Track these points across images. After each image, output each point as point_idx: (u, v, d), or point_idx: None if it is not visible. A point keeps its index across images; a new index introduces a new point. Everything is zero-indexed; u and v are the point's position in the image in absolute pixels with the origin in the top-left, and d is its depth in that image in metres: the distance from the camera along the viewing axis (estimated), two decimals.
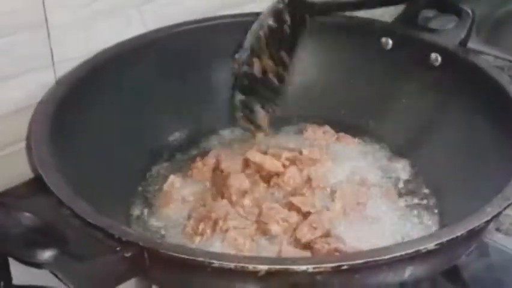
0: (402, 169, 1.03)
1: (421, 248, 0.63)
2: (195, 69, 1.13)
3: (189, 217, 0.92)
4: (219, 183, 0.96)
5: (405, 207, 0.96)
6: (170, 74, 1.11)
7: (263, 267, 0.59)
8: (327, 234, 0.87)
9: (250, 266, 0.60)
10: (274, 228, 0.88)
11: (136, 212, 0.95)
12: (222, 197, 0.95)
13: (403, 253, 0.62)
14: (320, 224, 0.88)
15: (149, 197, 0.99)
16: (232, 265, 0.60)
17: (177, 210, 0.95)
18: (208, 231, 0.89)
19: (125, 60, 1.06)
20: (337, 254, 0.84)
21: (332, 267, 0.59)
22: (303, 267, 0.60)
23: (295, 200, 0.92)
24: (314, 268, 0.60)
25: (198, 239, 0.88)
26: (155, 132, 1.07)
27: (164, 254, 0.62)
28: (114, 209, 0.91)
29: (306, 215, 0.90)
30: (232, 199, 0.94)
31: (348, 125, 1.12)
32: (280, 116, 1.14)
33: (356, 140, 1.10)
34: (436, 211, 0.95)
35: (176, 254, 0.61)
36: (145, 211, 0.96)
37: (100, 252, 0.65)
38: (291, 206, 0.92)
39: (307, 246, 0.86)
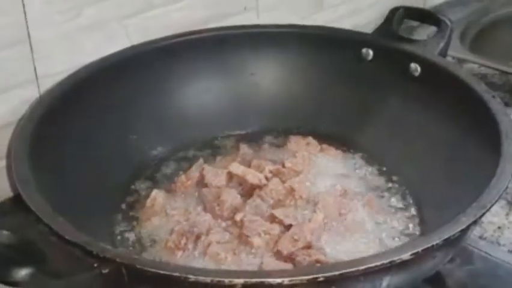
0: (383, 179, 1.04)
1: (396, 258, 0.63)
2: (178, 84, 1.14)
3: (171, 232, 0.92)
4: (209, 199, 0.97)
5: (387, 217, 0.96)
6: (152, 89, 1.12)
7: (239, 281, 0.60)
8: (308, 246, 0.87)
9: (227, 280, 0.60)
10: (256, 240, 0.88)
11: (118, 227, 0.95)
12: (206, 211, 0.95)
13: (378, 263, 0.62)
14: (302, 236, 0.88)
15: (132, 212, 0.99)
16: (208, 279, 0.60)
17: (160, 225, 0.95)
18: (190, 246, 0.89)
19: (108, 76, 1.06)
20: (318, 265, 0.84)
21: (308, 280, 0.60)
22: (279, 280, 0.60)
23: (278, 213, 0.92)
24: (290, 281, 0.60)
25: (179, 253, 0.89)
26: (138, 147, 1.08)
27: (141, 270, 0.62)
28: (97, 225, 0.91)
29: (288, 227, 0.91)
30: (224, 215, 0.94)
31: (331, 136, 1.13)
32: (264, 128, 1.16)
33: (339, 151, 1.10)
34: (418, 221, 0.95)
35: (153, 270, 0.61)
36: (128, 226, 0.96)
37: (78, 270, 0.65)
38: (273, 219, 0.92)
39: (289, 258, 0.86)
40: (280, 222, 0.91)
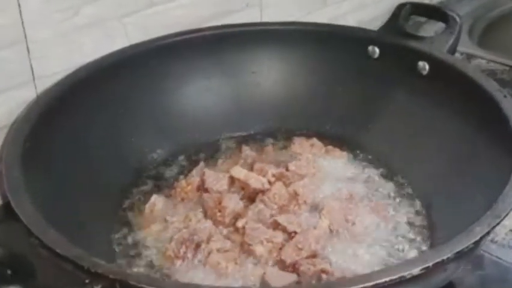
0: (391, 183, 1.00)
1: (406, 273, 0.59)
2: (178, 84, 1.10)
3: (171, 240, 0.88)
4: (210, 205, 0.93)
5: (395, 222, 0.92)
6: (152, 90, 1.08)
7: None
8: (313, 255, 0.84)
9: None
10: (259, 249, 0.85)
11: (116, 235, 0.92)
12: (206, 217, 0.92)
13: (387, 279, 0.58)
14: (306, 244, 0.84)
15: (131, 219, 0.95)
16: None
17: (159, 232, 0.91)
18: (190, 254, 0.85)
19: (106, 76, 1.02)
20: (323, 275, 0.81)
21: None
22: None
23: (281, 219, 0.89)
24: None
25: (179, 262, 0.85)
26: (137, 150, 1.04)
27: (134, 286, 0.58)
28: (93, 233, 0.88)
29: (291, 234, 0.87)
30: (226, 221, 0.90)
31: (336, 137, 1.09)
32: (267, 129, 1.12)
33: (345, 152, 1.06)
34: (428, 226, 0.91)
35: (147, 286, 0.57)
36: (126, 234, 0.92)
37: (69, 285, 0.61)
38: (276, 225, 0.89)
39: (292, 267, 0.83)
40: (284, 230, 0.88)
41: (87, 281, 0.60)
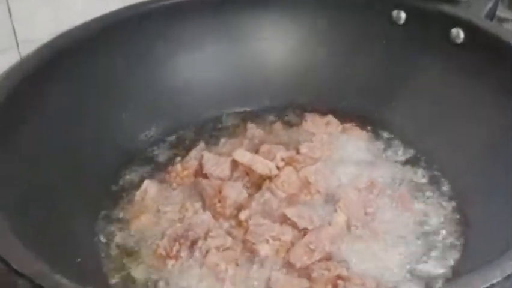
0: (418, 168, 0.87)
1: None
2: (176, 54, 0.97)
3: (163, 235, 0.76)
4: (209, 193, 0.81)
5: (423, 216, 0.80)
6: (146, 60, 0.95)
7: None
8: (327, 258, 0.72)
9: None
10: (263, 249, 0.73)
11: (102, 226, 0.80)
12: (205, 208, 0.80)
13: None
14: (319, 245, 0.72)
15: (119, 207, 0.83)
16: None
17: (150, 225, 0.80)
18: (184, 254, 0.74)
19: (95, 43, 0.90)
20: (340, 282, 0.69)
21: None
22: None
23: (290, 213, 0.76)
24: None
25: (171, 263, 0.74)
26: (128, 128, 0.92)
27: None
28: (76, 223, 0.78)
29: (302, 231, 0.75)
30: (226, 213, 0.79)
31: (355, 113, 0.96)
32: (276, 104, 0.99)
33: (365, 132, 0.93)
34: (461, 221, 0.79)
35: None
36: (113, 225, 0.80)
37: None
38: (284, 220, 0.76)
39: (303, 272, 0.71)
40: (294, 225, 0.76)
41: None
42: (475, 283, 0.48)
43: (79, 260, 0.72)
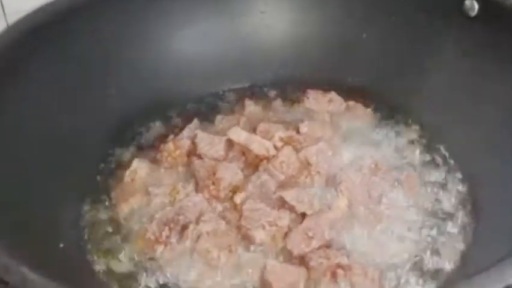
0: (426, 148, 0.81)
1: None
2: (169, 25, 0.91)
3: (152, 218, 0.72)
4: (202, 175, 0.76)
5: (431, 201, 0.74)
6: (138, 31, 0.89)
7: None
8: (327, 245, 0.67)
9: None
10: (259, 235, 0.68)
11: (89, 208, 0.76)
12: (198, 190, 0.75)
13: None
14: (318, 232, 0.67)
15: (107, 187, 0.79)
16: None
17: (139, 207, 0.75)
18: (174, 239, 0.69)
19: (83, 14, 0.84)
20: (339, 271, 0.64)
21: None
22: None
23: (288, 196, 0.71)
24: None
25: (160, 248, 0.69)
26: (118, 104, 0.86)
27: None
28: (61, 205, 0.73)
29: (301, 216, 0.70)
30: (221, 195, 0.74)
31: (359, 90, 0.90)
32: (275, 79, 0.93)
33: (369, 110, 0.88)
34: (470, 205, 0.74)
35: None
36: (101, 207, 0.76)
37: None
38: (282, 204, 0.71)
39: (301, 260, 0.66)
40: (292, 210, 0.70)
41: None
42: (488, 283, 0.43)
43: (61, 245, 0.68)
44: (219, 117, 0.88)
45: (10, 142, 0.70)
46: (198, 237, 0.69)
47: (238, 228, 0.70)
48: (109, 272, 0.68)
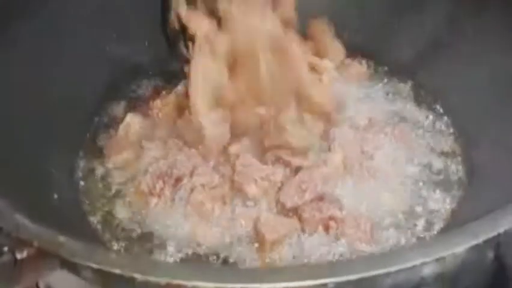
0: (422, 106, 0.81)
1: (431, 259, 0.42)
2: None
3: (145, 172, 0.72)
4: (188, 138, 0.74)
5: (425, 156, 0.74)
6: None
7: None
8: (319, 198, 0.67)
9: (189, 284, 0.40)
10: (252, 189, 0.68)
11: (82, 161, 0.76)
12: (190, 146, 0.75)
13: (409, 265, 0.41)
14: (311, 185, 0.67)
15: (101, 140, 0.79)
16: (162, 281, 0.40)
17: (132, 161, 0.75)
18: (168, 192, 0.69)
19: None
20: (332, 223, 0.65)
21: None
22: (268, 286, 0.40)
23: (283, 152, 0.71)
24: None
25: (154, 201, 0.69)
26: (110, 61, 0.85)
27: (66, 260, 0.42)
28: (55, 157, 0.72)
29: (294, 171, 0.70)
30: (211, 154, 0.73)
31: (355, 46, 0.88)
32: None
33: (365, 68, 0.86)
34: (463, 161, 0.74)
35: (86, 263, 0.41)
36: (94, 160, 0.76)
37: None
38: (277, 159, 0.71)
39: (294, 213, 0.67)
40: (287, 165, 0.70)
41: (5, 248, 0.44)
42: (483, 232, 0.43)
43: (56, 196, 0.68)
44: None
45: (1, 94, 0.70)
46: (192, 190, 0.69)
47: (232, 182, 0.70)
48: (103, 222, 0.69)
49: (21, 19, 0.75)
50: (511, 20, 0.75)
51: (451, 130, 0.78)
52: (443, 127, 0.78)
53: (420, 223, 0.67)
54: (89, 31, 0.83)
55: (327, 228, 0.65)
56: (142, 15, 0.86)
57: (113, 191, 0.73)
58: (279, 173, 0.69)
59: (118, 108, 0.83)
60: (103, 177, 0.74)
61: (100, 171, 0.75)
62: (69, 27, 0.81)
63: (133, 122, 0.79)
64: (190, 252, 0.65)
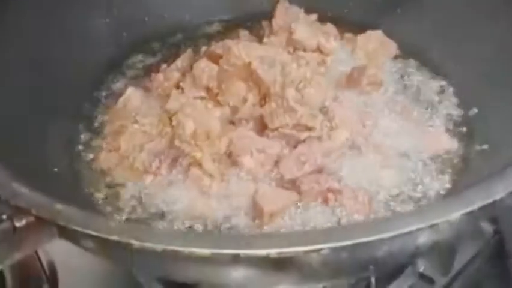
0: (427, 81, 0.80)
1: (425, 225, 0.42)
2: None
3: (141, 148, 0.71)
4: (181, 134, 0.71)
5: (427, 132, 0.74)
6: None
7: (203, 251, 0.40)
8: (318, 170, 0.67)
9: (186, 250, 0.40)
10: (247, 161, 0.68)
11: (82, 135, 0.76)
12: None
13: (402, 231, 0.41)
14: (311, 157, 0.67)
15: (99, 114, 0.79)
16: (159, 247, 0.41)
17: (129, 135, 0.74)
18: (164, 171, 0.69)
19: None
20: (330, 195, 0.65)
21: (304, 251, 0.40)
22: (262, 252, 0.40)
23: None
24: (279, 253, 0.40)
25: (149, 178, 0.69)
26: (110, 35, 0.86)
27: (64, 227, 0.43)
28: (54, 128, 0.73)
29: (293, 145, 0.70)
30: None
31: (355, 23, 0.87)
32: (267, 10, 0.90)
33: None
34: (467, 136, 0.73)
35: (78, 228, 0.42)
36: (93, 134, 0.76)
37: None
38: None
39: (292, 185, 0.67)
40: (291, 137, 0.70)
41: (4, 216, 0.44)
42: (477, 199, 0.43)
43: (55, 169, 0.68)
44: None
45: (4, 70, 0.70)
46: (189, 165, 0.69)
47: (229, 156, 0.70)
48: (104, 197, 0.69)
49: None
50: None
51: (456, 103, 0.77)
52: (447, 101, 0.77)
53: (419, 197, 0.67)
54: (88, 5, 0.83)
55: (325, 201, 0.65)
56: None
57: (111, 165, 0.72)
58: (275, 147, 0.69)
59: (118, 82, 0.83)
60: (101, 151, 0.74)
61: (96, 143, 0.75)
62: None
63: (133, 95, 0.78)
64: (187, 225, 0.65)
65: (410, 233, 0.41)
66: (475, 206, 0.43)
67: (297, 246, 0.40)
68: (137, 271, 0.57)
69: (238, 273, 0.45)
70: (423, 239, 0.45)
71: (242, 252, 0.40)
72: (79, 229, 0.42)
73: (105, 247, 0.45)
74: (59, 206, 0.44)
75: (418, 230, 0.41)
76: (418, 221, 0.41)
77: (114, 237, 0.41)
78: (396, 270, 0.65)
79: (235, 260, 0.41)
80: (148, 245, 0.41)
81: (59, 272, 0.69)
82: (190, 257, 0.41)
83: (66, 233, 0.45)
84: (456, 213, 0.42)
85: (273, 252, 0.40)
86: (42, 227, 0.45)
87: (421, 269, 0.67)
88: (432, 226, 0.41)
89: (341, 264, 0.44)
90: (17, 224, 0.45)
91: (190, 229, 0.63)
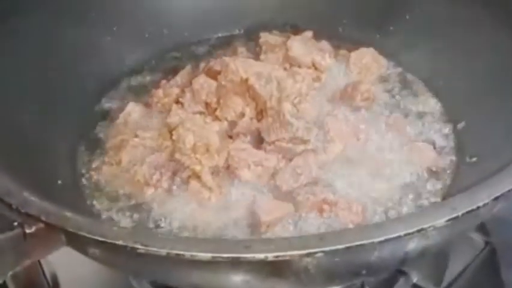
0: (417, 96, 0.83)
1: (414, 230, 0.44)
2: None
3: (142, 161, 0.73)
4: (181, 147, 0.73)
5: (417, 142, 0.76)
6: None
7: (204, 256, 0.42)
8: (314, 182, 0.70)
9: (187, 254, 0.43)
10: (245, 174, 0.71)
11: (84, 150, 0.78)
12: None
13: (395, 235, 0.44)
14: (306, 169, 0.70)
15: (102, 130, 0.81)
16: (163, 251, 0.43)
17: (130, 149, 0.76)
18: (166, 184, 0.71)
19: None
20: (325, 206, 0.67)
21: (300, 255, 0.42)
22: (261, 256, 0.42)
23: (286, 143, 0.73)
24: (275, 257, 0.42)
25: (150, 191, 0.71)
26: (111, 52, 0.88)
27: (74, 234, 0.45)
28: (57, 147, 0.75)
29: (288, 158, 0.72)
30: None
31: (350, 39, 0.91)
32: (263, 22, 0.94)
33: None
34: (455, 149, 0.76)
35: (88, 234, 0.44)
36: (95, 148, 0.78)
37: None
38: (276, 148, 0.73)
39: (289, 196, 0.69)
40: (286, 151, 0.72)
41: (15, 223, 0.46)
42: (462, 205, 0.46)
43: (59, 181, 0.70)
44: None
45: (6, 81, 0.72)
46: (189, 177, 0.71)
47: (227, 168, 0.72)
48: (106, 207, 0.71)
49: (23, 10, 0.78)
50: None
51: (445, 117, 0.80)
52: (436, 114, 0.80)
53: (411, 209, 0.69)
54: (89, 23, 0.86)
55: (321, 211, 0.68)
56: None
57: (111, 178, 0.74)
58: (272, 159, 0.71)
59: (119, 97, 0.85)
60: (102, 165, 0.76)
61: (98, 158, 0.77)
62: (71, 17, 0.84)
63: (133, 111, 0.81)
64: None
65: (399, 237, 0.44)
66: (459, 212, 0.45)
67: (293, 251, 0.42)
68: (139, 278, 0.59)
69: (237, 278, 0.48)
70: (412, 245, 0.48)
71: (241, 256, 0.43)
72: (87, 235, 0.44)
73: (110, 254, 0.47)
74: (67, 214, 0.46)
75: (406, 235, 0.44)
76: (406, 226, 0.44)
77: (120, 242, 0.44)
78: (390, 281, 0.68)
79: (234, 263, 0.43)
80: (153, 249, 0.43)
81: (60, 282, 0.72)
82: (191, 261, 0.43)
83: (73, 240, 0.48)
84: (441, 220, 0.44)
85: (270, 256, 0.42)
86: (51, 234, 0.47)
87: (414, 280, 0.70)
88: (419, 231, 0.44)
89: (336, 268, 0.46)
90: (27, 231, 0.47)
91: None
